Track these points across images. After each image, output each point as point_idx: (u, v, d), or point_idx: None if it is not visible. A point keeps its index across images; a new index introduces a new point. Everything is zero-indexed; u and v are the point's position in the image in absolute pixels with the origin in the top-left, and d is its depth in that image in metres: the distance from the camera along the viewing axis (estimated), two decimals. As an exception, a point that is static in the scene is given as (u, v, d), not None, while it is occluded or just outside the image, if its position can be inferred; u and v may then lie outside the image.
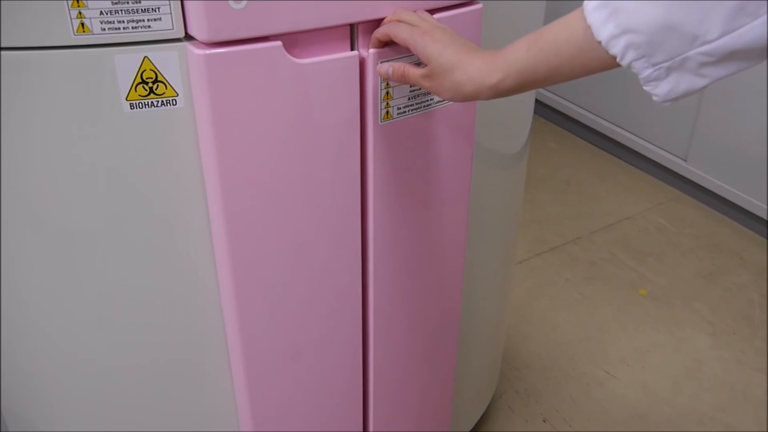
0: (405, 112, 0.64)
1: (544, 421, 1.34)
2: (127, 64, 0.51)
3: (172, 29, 0.51)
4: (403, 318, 0.77)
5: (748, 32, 0.45)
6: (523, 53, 0.54)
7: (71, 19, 0.49)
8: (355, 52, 0.59)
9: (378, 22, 0.60)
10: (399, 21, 0.59)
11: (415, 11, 0.60)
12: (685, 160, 1.83)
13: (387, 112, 0.63)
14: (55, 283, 0.59)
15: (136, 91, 0.52)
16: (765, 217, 1.73)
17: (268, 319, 0.65)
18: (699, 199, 1.85)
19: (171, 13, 0.51)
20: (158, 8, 0.50)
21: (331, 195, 0.63)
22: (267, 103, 0.56)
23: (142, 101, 0.53)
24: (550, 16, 0.65)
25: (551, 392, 1.37)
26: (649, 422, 1.29)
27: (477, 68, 0.55)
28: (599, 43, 0.50)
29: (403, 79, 0.60)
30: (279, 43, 0.54)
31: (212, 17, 0.50)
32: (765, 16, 0.45)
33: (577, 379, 1.38)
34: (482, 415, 1.34)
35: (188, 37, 0.52)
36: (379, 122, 0.63)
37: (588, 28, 0.50)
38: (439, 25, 0.59)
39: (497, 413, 1.35)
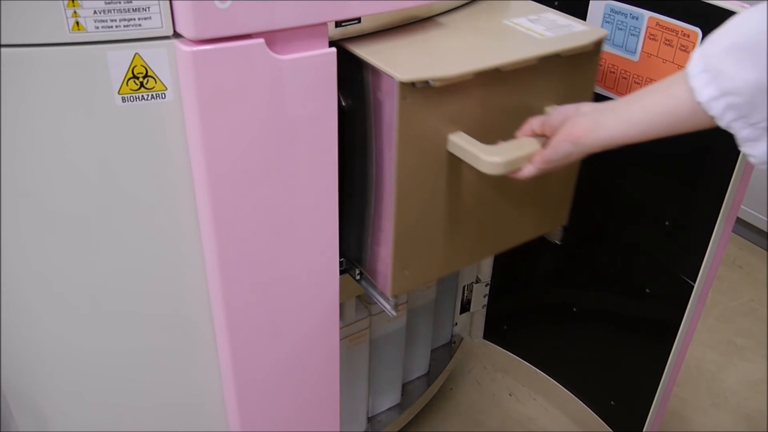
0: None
1: (510, 394, 1.40)
2: (119, 60, 0.55)
3: (161, 27, 0.55)
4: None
5: None
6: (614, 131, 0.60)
7: (67, 18, 0.52)
8: (332, 49, 0.62)
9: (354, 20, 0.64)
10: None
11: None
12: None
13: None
14: (47, 269, 0.62)
15: (127, 85, 0.56)
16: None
17: (251, 298, 0.69)
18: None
19: (160, 13, 0.54)
20: (148, 8, 0.54)
21: (309, 181, 0.67)
22: (250, 96, 0.59)
23: (133, 95, 0.56)
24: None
25: (517, 368, 1.43)
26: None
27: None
28: (699, 103, 0.53)
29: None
30: (261, 40, 0.58)
31: (199, 16, 0.54)
32: None
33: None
34: (451, 389, 1.39)
35: (176, 35, 0.56)
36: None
37: (690, 90, 0.53)
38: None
39: (465, 387, 1.41)
